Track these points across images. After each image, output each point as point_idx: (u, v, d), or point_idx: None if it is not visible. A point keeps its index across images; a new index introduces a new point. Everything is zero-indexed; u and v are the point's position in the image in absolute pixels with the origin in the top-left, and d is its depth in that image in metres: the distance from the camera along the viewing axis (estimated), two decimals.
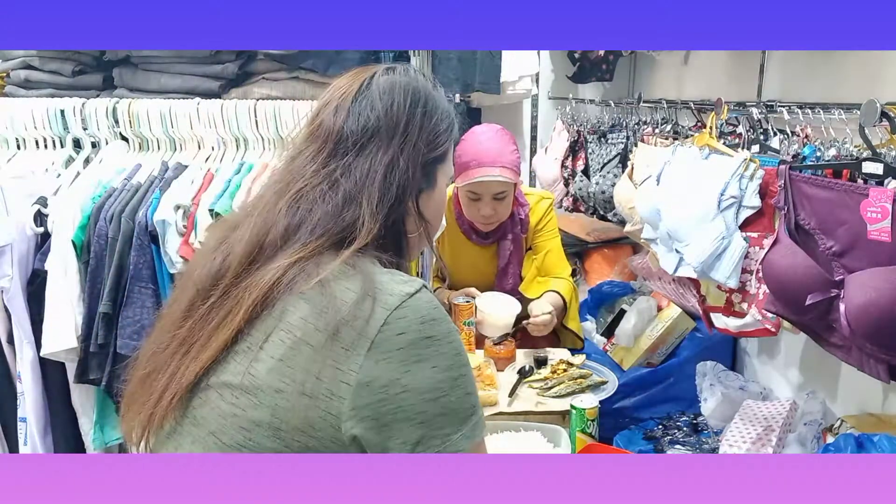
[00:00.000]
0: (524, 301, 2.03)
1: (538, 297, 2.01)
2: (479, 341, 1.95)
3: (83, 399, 1.58)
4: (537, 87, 3.35)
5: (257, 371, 0.72)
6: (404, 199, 0.84)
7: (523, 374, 1.76)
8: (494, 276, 2.12)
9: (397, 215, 0.83)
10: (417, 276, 1.69)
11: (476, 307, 1.94)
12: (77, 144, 1.71)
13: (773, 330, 1.42)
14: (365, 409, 0.69)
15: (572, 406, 1.52)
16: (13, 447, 1.58)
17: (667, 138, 1.91)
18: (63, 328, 1.47)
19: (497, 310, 1.94)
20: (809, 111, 1.44)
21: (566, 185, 2.76)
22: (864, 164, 1.15)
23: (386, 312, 0.71)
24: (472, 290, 2.02)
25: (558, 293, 2.04)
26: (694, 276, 1.49)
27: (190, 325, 0.78)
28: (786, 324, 1.37)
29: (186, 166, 1.61)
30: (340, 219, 0.79)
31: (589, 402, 1.53)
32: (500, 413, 1.61)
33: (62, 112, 1.65)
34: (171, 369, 0.77)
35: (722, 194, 1.39)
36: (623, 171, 2.11)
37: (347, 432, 0.69)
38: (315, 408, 0.69)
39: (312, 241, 0.77)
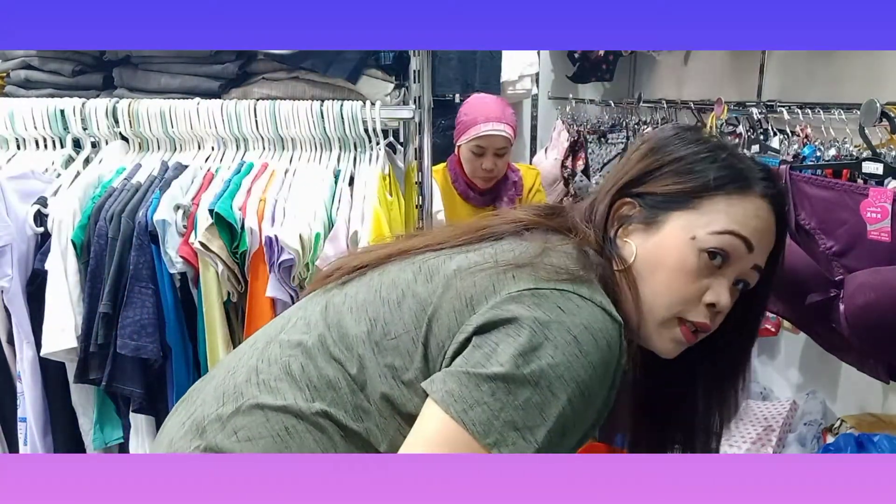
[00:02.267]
0: None
1: None
2: None
3: (83, 399, 1.58)
4: (537, 87, 3.35)
5: (449, 264, 0.75)
6: (602, 216, 0.83)
7: None
8: None
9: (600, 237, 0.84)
10: None
11: None
12: (77, 144, 1.70)
13: (773, 330, 1.42)
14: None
15: None
16: (13, 447, 1.58)
17: None
18: (63, 328, 1.47)
19: None
20: (809, 111, 1.44)
21: (566, 185, 2.76)
22: (864, 164, 1.15)
23: (569, 287, 0.71)
24: None
25: None
26: None
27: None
28: (786, 324, 1.37)
29: (186, 166, 1.61)
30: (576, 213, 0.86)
31: None
32: None
33: (62, 112, 1.65)
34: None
35: None
36: None
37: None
38: (460, 312, 0.71)
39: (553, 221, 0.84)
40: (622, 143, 2.35)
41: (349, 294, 0.79)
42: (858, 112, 1.18)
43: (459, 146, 2.22)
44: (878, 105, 1.14)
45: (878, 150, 1.17)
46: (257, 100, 1.67)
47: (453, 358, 0.69)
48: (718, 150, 0.81)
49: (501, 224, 0.80)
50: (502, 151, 2.15)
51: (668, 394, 0.90)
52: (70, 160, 1.68)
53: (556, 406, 0.65)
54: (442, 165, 2.31)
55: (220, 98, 1.72)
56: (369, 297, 0.76)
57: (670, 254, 0.77)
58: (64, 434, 1.59)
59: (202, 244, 1.42)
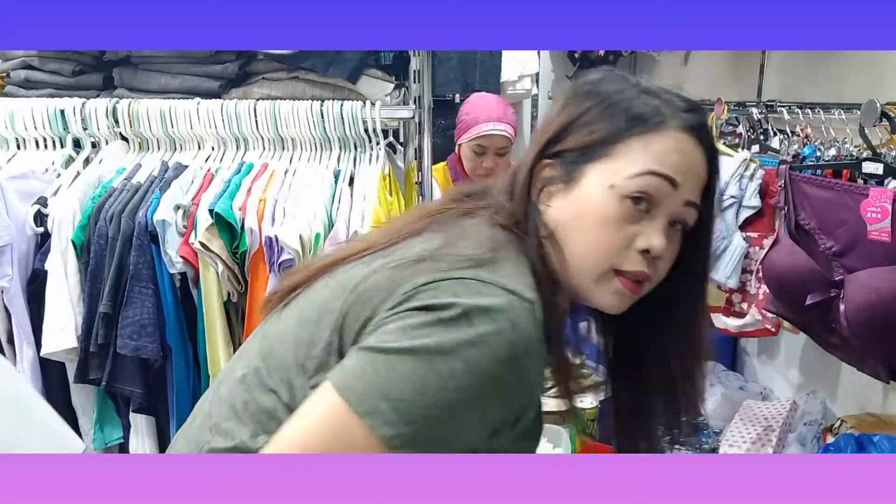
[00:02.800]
0: None
1: None
2: None
3: (83, 399, 1.58)
4: (537, 87, 3.35)
5: (357, 272, 0.75)
6: (519, 189, 0.81)
7: None
8: None
9: (520, 209, 0.82)
10: None
11: None
12: (77, 144, 1.71)
13: (773, 330, 1.42)
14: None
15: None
16: None
17: None
18: (63, 328, 1.47)
19: None
20: (809, 111, 1.44)
21: None
22: (864, 164, 1.15)
23: (471, 273, 0.69)
24: None
25: None
26: None
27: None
28: (786, 324, 1.37)
29: (186, 166, 1.61)
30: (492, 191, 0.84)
31: (589, 402, 1.52)
32: None
33: (62, 112, 1.65)
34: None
35: (722, 194, 1.39)
36: None
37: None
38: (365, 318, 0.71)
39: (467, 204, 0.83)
40: None
41: (282, 319, 0.77)
42: (858, 112, 1.18)
43: (460, 145, 2.22)
44: (878, 105, 1.14)
45: (878, 150, 1.17)
46: (257, 100, 1.67)
47: None
48: (628, 92, 0.77)
49: (420, 219, 0.78)
50: (503, 151, 2.16)
51: (637, 356, 0.88)
52: (70, 160, 1.68)
53: (438, 382, 0.62)
54: (442, 164, 2.32)
55: (220, 98, 1.72)
56: (296, 320, 0.75)
57: (591, 208, 0.75)
58: None
59: (202, 244, 1.42)
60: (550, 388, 1.53)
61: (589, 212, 0.75)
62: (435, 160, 1.74)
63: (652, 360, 0.86)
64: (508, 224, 0.76)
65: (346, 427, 0.63)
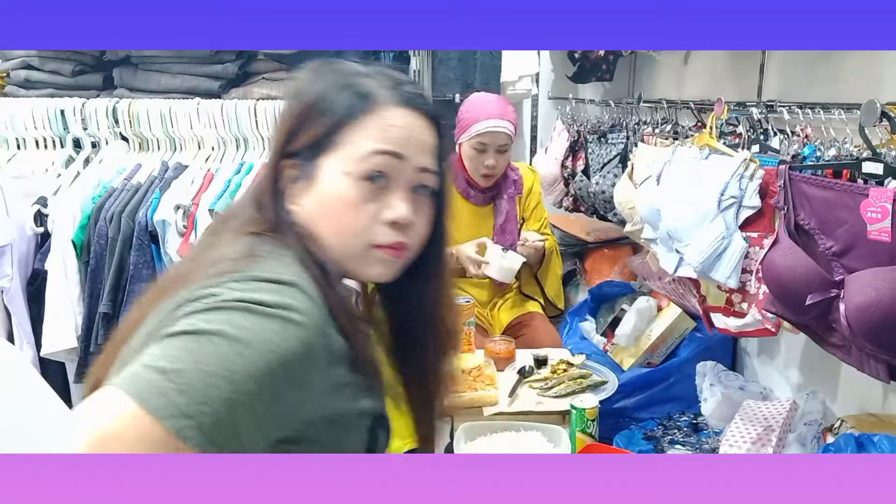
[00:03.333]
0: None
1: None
2: (480, 341, 1.96)
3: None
4: (537, 87, 3.35)
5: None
6: (264, 195, 0.83)
7: (523, 374, 1.76)
8: (493, 236, 2.24)
9: (268, 213, 0.83)
10: None
11: (476, 308, 1.97)
12: (77, 144, 1.71)
13: (773, 330, 1.42)
14: None
15: (572, 406, 1.52)
16: None
17: (667, 138, 1.91)
18: (63, 328, 1.48)
19: (499, 254, 2.10)
20: (809, 111, 1.44)
21: (566, 185, 2.76)
22: (864, 164, 1.15)
23: (220, 280, 0.71)
24: (484, 239, 2.13)
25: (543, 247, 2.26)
26: (694, 276, 1.49)
27: None
28: (786, 324, 1.37)
29: (186, 166, 1.61)
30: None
31: (589, 402, 1.53)
32: (500, 413, 1.61)
33: (62, 112, 1.65)
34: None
35: (722, 194, 1.39)
36: (623, 171, 2.11)
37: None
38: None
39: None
40: (622, 143, 2.35)
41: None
42: (858, 112, 1.18)
43: (461, 144, 2.22)
44: (878, 105, 1.14)
45: (878, 150, 1.17)
46: (257, 100, 1.67)
47: None
48: (340, 80, 0.82)
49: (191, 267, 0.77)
50: (504, 148, 2.16)
51: (412, 321, 0.93)
52: (70, 160, 1.68)
53: (217, 358, 0.63)
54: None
55: (220, 98, 1.72)
56: None
57: (333, 198, 0.80)
58: None
59: None
60: (551, 388, 1.55)
61: (332, 201, 0.80)
62: None
63: (425, 318, 0.92)
64: (262, 231, 0.79)
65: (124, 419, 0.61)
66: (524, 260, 2.14)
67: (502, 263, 2.06)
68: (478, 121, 2.13)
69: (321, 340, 0.72)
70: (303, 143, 0.82)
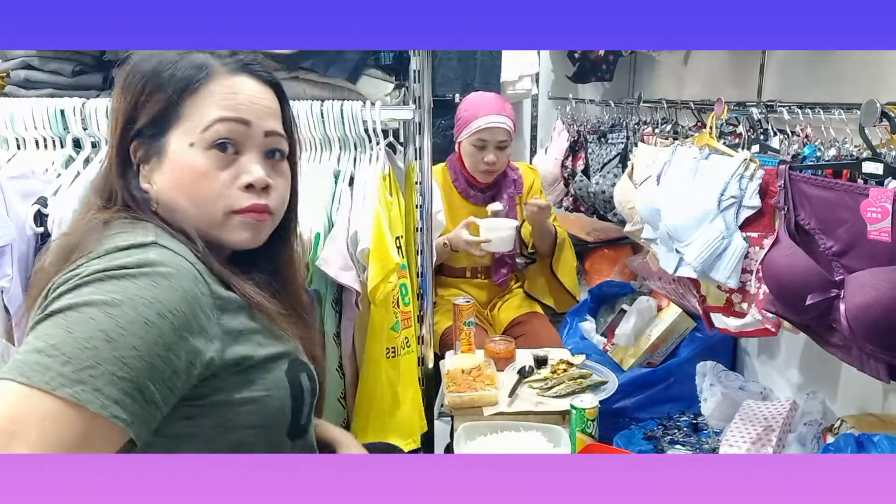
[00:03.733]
0: (527, 255, 2.32)
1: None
2: (480, 341, 1.96)
3: None
4: (537, 87, 3.36)
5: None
6: (116, 180, 0.83)
7: (523, 374, 1.76)
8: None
9: (119, 194, 0.83)
10: (418, 276, 1.71)
11: (475, 307, 1.98)
12: (77, 144, 1.70)
13: (773, 330, 1.42)
14: None
15: (572, 406, 1.52)
16: None
17: (667, 138, 1.91)
18: None
19: (498, 223, 2.11)
20: (809, 111, 1.44)
21: (566, 185, 2.76)
22: (864, 164, 1.15)
23: (84, 260, 0.72)
24: (471, 218, 2.13)
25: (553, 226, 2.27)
26: (694, 276, 1.49)
27: None
28: (786, 324, 1.37)
29: None
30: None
31: (589, 402, 1.53)
32: (500, 413, 1.61)
33: (62, 112, 1.65)
34: None
35: (722, 194, 1.39)
36: (623, 171, 2.11)
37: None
38: None
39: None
40: (622, 143, 2.35)
41: None
42: (858, 112, 1.18)
43: (460, 142, 2.22)
44: (878, 105, 1.14)
45: (878, 150, 1.17)
46: None
47: None
48: (172, 57, 0.83)
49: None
50: (503, 144, 2.17)
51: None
52: (70, 160, 1.68)
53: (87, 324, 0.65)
54: (442, 165, 2.31)
55: None
56: None
57: (184, 170, 0.80)
58: None
59: None
60: (550, 388, 1.54)
61: (185, 174, 0.80)
62: (435, 160, 1.73)
63: (287, 278, 0.95)
64: (113, 215, 0.80)
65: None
66: (517, 224, 2.16)
67: (500, 235, 2.07)
68: (477, 117, 2.14)
69: (198, 287, 0.73)
70: (144, 121, 0.81)
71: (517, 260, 2.33)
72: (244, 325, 0.80)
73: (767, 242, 1.33)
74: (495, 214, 2.16)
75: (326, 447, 1.02)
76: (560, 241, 2.29)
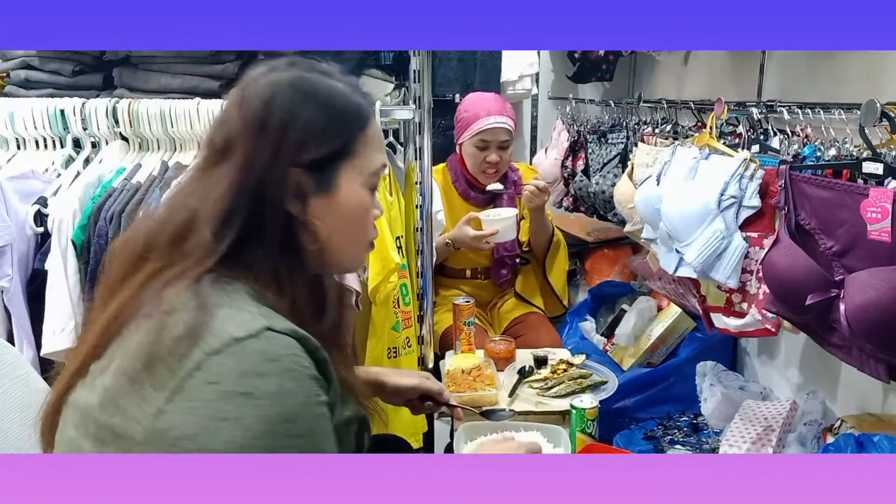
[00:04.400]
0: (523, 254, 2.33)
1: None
2: (480, 341, 1.96)
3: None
4: (537, 87, 3.35)
5: (90, 400, 0.68)
6: (268, 210, 0.74)
7: (523, 374, 1.76)
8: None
9: (263, 230, 0.74)
10: (418, 276, 1.71)
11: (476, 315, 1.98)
12: (77, 144, 1.70)
13: (773, 330, 1.42)
14: None
15: (572, 406, 1.52)
16: None
17: (667, 138, 1.91)
18: (63, 328, 1.47)
19: (499, 214, 2.13)
20: (809, 111, 1.44)
21: (566, 185, 2.76)
22: (864, 164, 1.15)
23: (202, 356, 0.63)
24: (471, 213, 2.14)
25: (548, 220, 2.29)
26: (694, 276, 1.49)
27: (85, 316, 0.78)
28: (786, 324, 1.37)
29: (186, 166, 1.61)
30: (181, 238, 0.73)
31: (589, 402, 1.53)
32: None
33: (62, 112, 1.65)
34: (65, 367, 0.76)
35: (722, 194, 1.39)
36: (623, 171, 2.11)
37: None
38: (117, 448, 0.64)
39: (160, 263, 0.72)
40: (622, 143, 2.35)
41: None
42: (858, 112, 1.18)
43: (461, 143, 2.22)
44: (878, 105, 1.14)
45: (878, 150, 1.17)
46: None
47: None
48: (341, 89, 0.82)
49: (118, 313, 0.71)
50: (506, 144, 2.17)
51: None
52: (70, 160, 1.68)
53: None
54: (441, 165, 2.31)
55: (220, 98, 1.71)
56: None
57: (356, 209, 0.82)
58: None
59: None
60: (550, 388, 1.55)
61: (355, 213, 0.82)
62: (435, 160, 1.74)
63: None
64: (213, 267, 0.72)
65: None
66: (516, 210, 2.17)
67: (505, 224, 2.08)
68: (479, 118, 2.14)
69: (308, 374, 0.68)
70: (319, 152, 0.77)
71: (516, 260, 2.33)
72: (332, 393, 0.75)
73: (767, 242, 1.33)
74: (494, 195, 2.20)
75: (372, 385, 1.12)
76: (555, 242, 2.30)
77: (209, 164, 0.79)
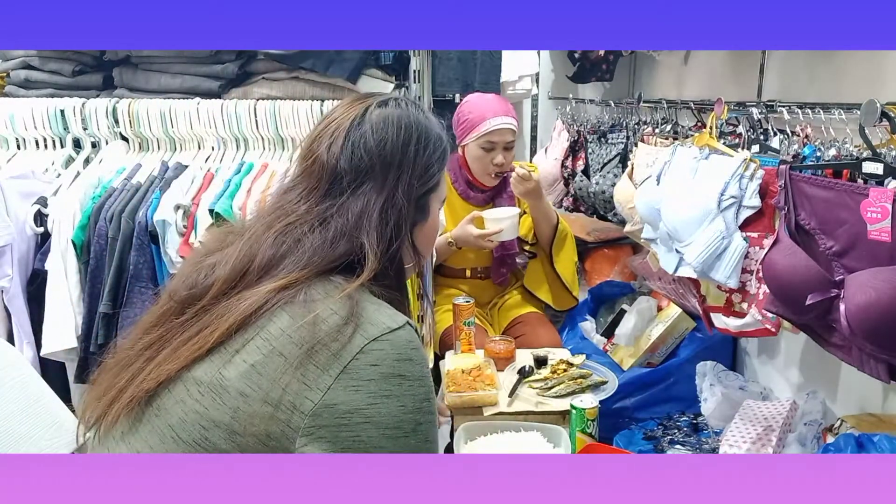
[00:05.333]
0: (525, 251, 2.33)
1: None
2: (480, 341, 1.96)
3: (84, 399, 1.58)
4: (537, 87, 3.35)
5: (228, 373, 0.73)
6: (400, 235, 0.86)
7: (523, 374, 1.76)
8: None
9: (395, 250, 0.85)
10: (418, 276, 1.71)
11: (475, 309, 1.98)
12: (77, 144, 1.71)
13: (773, 330, 1.42)
14: (323, 430, 0.70)
15: (572, 406, 1.52)
16: None
17: (667, 138, 1.91)
18: (63, 328, 1.47)
19: (502, 212, 2.15)
20: (809, 111, 1.44)
21: (566, 185, 2.76)
22: (864, 164, 1.15)
23: (364, 341, 0.73)
24: (474, 213, 2.15)
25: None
26: (694, 276, 1.49)
27: (160, 334, 0.80)
28: (786, 324, 1.37)
29: (186, 166, 1.61)
30: (331, 251, 0.81)
31: (589, 402, 1.52)
32: (500, 413, 1.61)
33: (62, 112, 1.65)
34: (132, 372, 0.79)
35: (722, 194, 1.39)
36: (623, 171, 2.11)
37: (301, 448, 0.69)
38: (275, 418, 0.70)
39: (296, 271, 0.79)
40: (622, 143, 2.35)
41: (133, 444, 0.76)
42: (858, 112, 1.18)
43: (465, 146, 2.20)
44: (878, 105, 1.14)
45: (878, 150, 1.17)
46: (257, 100, 1.67)
47: None
48: (438, 129, 0.93)
49: (258, 300, 0.77)
50: (510, 145, 2.18)
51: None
52: (70, 160, 1.68)
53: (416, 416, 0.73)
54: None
55: (220, 98, 1.72)
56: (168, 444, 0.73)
57: (436, 230, 0.96)
58: None
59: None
60: (551, 388, 1.56)
61: (433, 233, 0.96)
62: None
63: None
64: (369, 278, 0.82)
65: None
66: (518, 209, 2.18)
67: (509, 223, 2.09)
68: (484, 120, 2.13)
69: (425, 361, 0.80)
70: (427, 187, 0.90)
71: (517, 259, 2.32)
72: None
73: (767, 242, 1.33)
74: (494, 194, 2.22)
75: None
76: (561, 232, 2.29)
77: (329, 193, 0.86)
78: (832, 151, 1.31)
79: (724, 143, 1.52)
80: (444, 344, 2.08)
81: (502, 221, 2.08)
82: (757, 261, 1.38)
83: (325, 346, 0.72)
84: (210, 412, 0.72)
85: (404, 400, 0.72)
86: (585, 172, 2.58)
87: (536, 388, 1.71)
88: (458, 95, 3.02)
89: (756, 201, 1.37)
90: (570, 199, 2.74)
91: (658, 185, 1.60)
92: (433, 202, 0.93)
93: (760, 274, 1.35)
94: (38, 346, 1.49)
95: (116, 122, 1.65)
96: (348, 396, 0.70)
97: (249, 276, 0.79)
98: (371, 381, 0.71)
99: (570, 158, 2.74)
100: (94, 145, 1.70)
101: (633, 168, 1.97)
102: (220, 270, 0.81)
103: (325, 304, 0.75)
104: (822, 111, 1.41)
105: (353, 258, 0.82)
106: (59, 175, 1.63)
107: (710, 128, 1.58)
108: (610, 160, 2.38)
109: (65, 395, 1.57)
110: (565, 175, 2.76)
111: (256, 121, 1.63)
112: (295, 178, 0.88)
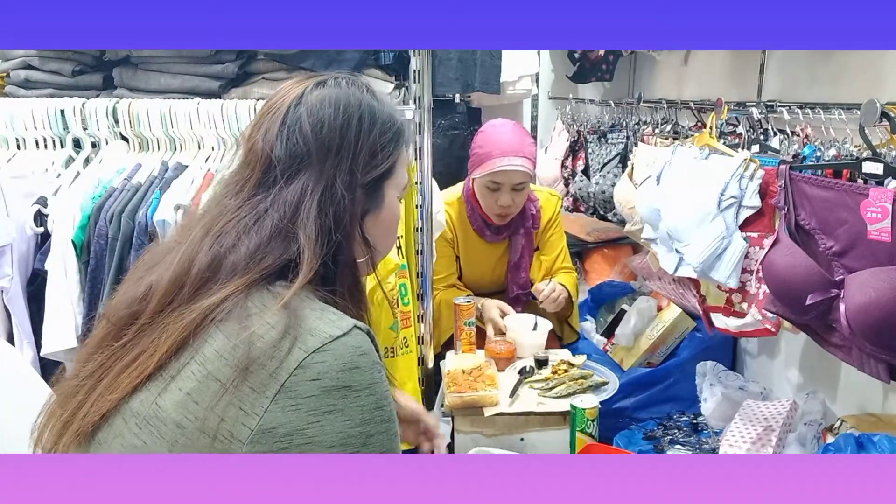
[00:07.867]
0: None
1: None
2: (480, 341, 1.96)
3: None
4: (537, 87, 3.35)
5: (164, 402, 0.68)
6: (342, 227, 0.77)
7: (524, 374, 1.76)
8: (506, 272, 2.15)
9: (339, 245, 0.77)
10: (418, 276, 1.70)
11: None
12: (77, 144, 1.70)
13: (773, 330, 1.42)
14: None
15: (572, 406, 1.52)
16: None
17: (667, 138, 1.91)
18: (63, 328, 1.47)
19: (529, 332, 1.92)
20: (809, 111, 1.44)
21: (566, 185, 2.76)
22: (864, 164, 1.15)
23: (303, 354, 0.66)
24: (506, 306, 2.01)
25: (565, 287, 2.08)
26: (694, 276, 1.49)
27: (101, 361, 0.73)
28: (786, 324, 1.37)
29: (186, 166, 1.61)
30: (268, 254, 0.73)
31: (589, 402, 1.52)
32: (501, 413, 1.61)
33: (62, 112, 1.65)
34: (76, 403, 0.73)
35: (722, 194, 1.39)
36: (623, 171, 2.11)
37: None
38: (214, 449, 0.65)
39: (232, 282, 0.71)
40: (622, 143, 2.35)
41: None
42: (858, 112, 1.18)
43: (474, 179, 2.03)
44: (878, 105, 1.14)
45: (878, 150, 1.17)
46: (257, 100, 1.66)
47: None
48: (390, 111, 0.85)
49: (194, 319, 0.70)
50: (521, 186, 1.96)
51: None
52: (70, 160, 1.68)
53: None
54: (458, 195, 2.12)
55: (220, 98, 1.71)
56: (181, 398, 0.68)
57: (394, 220, 0.88)
58: None
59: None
60: (551, 388, 1.55)
61: (392, 223, 0.88)
62: (435, 160, 1.73)
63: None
64: (312, 281, 0.75)
65: None
66: (550, 327, 1.96)
67: (532, 341, 1.88)
68: (491, 158, 1.92)
69: (381, 364, 0.74)
70: (378, 172, 0.82)
71: (530, 296, 2.22)
72: None
73: (767, 242, 1.33)
74: (510, 234, 2.08)
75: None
76: (573, 291, 2.12)
77: (262, 184, 0.78)
78: (832, 151, 1.31)
79: (724, 143, 1.52)
80: (444, 344, 2.06)
81: (527, 337, 1.89)
82: (757, 261, 1.38)
83: (261, 365, 0.65)
84: (149, 446, 0.67)
85: (350, 413, 0.66)
86: (585, 172, 2.58)
87: (537, 388, 1.71)
88: (458, 95, 3.02)
89: (756, 201, 1.37)
90: (570, 199, 2.74)
91: (658, 185, 1.61)
92: (388, 189, 0.84)
93: (760, 274, 1.35)
94: (38, 346, 1.49)
95: (116, 122, 1.65)
96: (287, 417, 0.64)
97: (185, 289, 0.72)
98: (311, 397, 0.65)
99: (570, 158, 2.74)
100: (94, 145, 1.70)
101: (633, 168, 1.97)
102: (157, 284, 0.74)
103: (262, 319, 0.68)
104: (822, 111, 1.41)
105: (292, 258, 0.74)
106: (59, 175, 1.63)
107: (710, 128, 1.58)
108: (610, 160, 2.38)
109: None
110: (565, 175, 2.76)
111: None
112: (234, 170, 0.81)
